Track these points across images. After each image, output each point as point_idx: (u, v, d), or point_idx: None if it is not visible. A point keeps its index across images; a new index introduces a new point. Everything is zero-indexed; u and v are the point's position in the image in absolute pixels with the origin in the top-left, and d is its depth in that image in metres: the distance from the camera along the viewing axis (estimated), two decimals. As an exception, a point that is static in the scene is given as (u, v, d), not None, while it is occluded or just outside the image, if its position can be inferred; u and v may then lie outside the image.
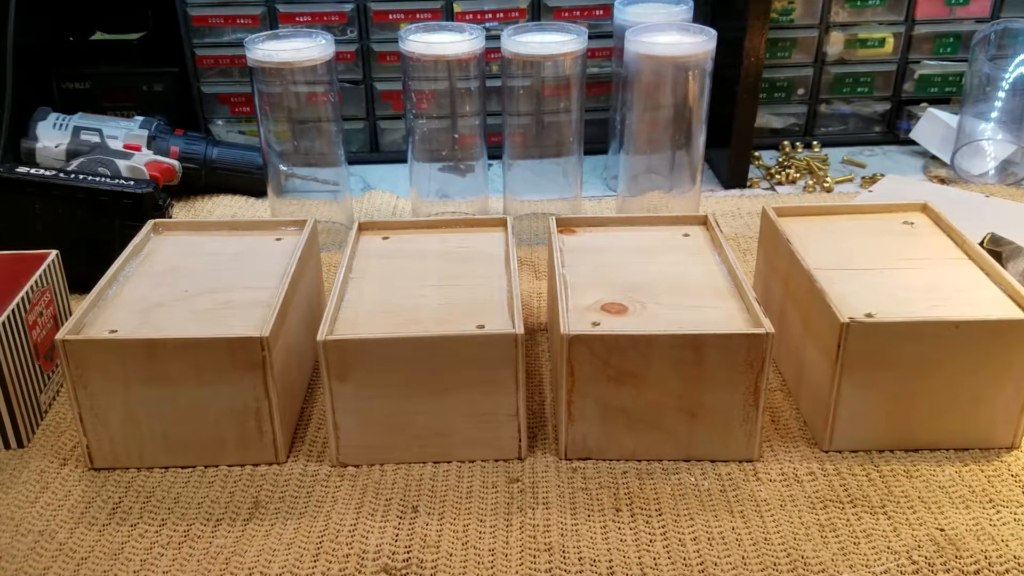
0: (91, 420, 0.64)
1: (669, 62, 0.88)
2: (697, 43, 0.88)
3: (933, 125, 1.18)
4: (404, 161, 1.17)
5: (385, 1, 1.13)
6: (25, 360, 0.69)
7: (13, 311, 0.67)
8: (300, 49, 0.89)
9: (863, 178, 1.14)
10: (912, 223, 0.77)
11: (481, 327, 0.64)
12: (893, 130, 1.25)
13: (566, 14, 1.13)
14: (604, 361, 0.63)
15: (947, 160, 1.15)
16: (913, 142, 1.21)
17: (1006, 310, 0.65)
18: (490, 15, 1.13)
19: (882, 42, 1.19)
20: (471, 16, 1.13)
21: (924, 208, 0.79)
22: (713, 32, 0.88)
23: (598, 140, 1.17)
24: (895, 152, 1.23)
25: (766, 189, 1.13)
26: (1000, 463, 0.65)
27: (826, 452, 0.67)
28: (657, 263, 0.73)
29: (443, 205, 1.02)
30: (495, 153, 1.03)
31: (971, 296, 0.66)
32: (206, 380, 0.63)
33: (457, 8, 1.13)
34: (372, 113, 1.20)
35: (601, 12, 1.14)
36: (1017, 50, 1.13)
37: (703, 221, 0.79)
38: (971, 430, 0.66)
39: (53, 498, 0.63)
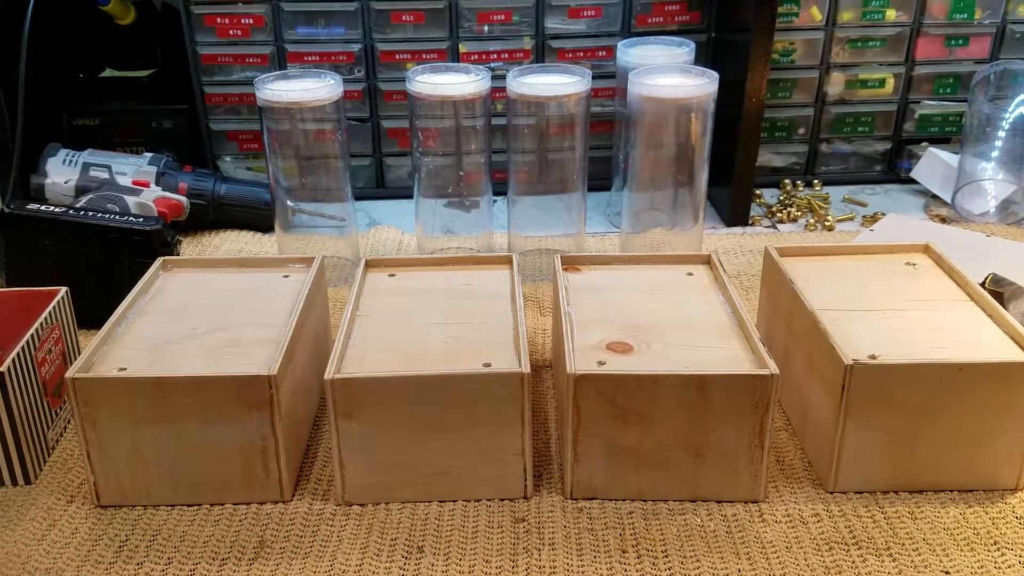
0: (99, 457, 0.65)
1: (671, 104, 0.90)
2: (699, 85, 0.89)
3: (934, 164, 1.20)
4: (409, 197, 1.18)
5: (392, 42, 1.14)
6: (33, 397, 0.69)
7: (23, 348, 0.68)
8: (309, 89, 0.90)
9: (864, 217, 1.15)
10: (914, 264, 0.78)
11: (487, 365, 0.65)
12: (894, 169, 1.26)
13: (570, 55, 1.15)
14: (610, 400, 0.63)
15: (948, 199, 1.16)
16: (914, 181, 1.22)
17: (1009, 352, 0.65)
18: (495, 56, 1.15)
19: (882, 82, 1.21)
20: (476, 56, 1.14)
21: (926, 249, 0.80)
22: (715, 74, 0.89)
23: (601, 177, 1.18)
24: (896, 191, 1.24)
25: (768, 227, 1.14)
26: (1005, 505, 0.65)
27: (831, 493, 0.67)
28: (662, 302, 0.74)
29: (448, 241, 1.03)
30: (500, 189, 1.04)
31: (974, 338, 0.67)
32: (213, 418, 0.63)
33: (463, 49, 1.14)
34: (378, 150, 1.21)
35: (604, 53, 1.15)
36: (1016, 91, 1.14)
37: (707, 260, 0.80)
38: (975, 472, 0.66)
39: (60, 536, 0.63)
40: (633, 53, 1.04)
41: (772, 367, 0.62)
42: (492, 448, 0.65)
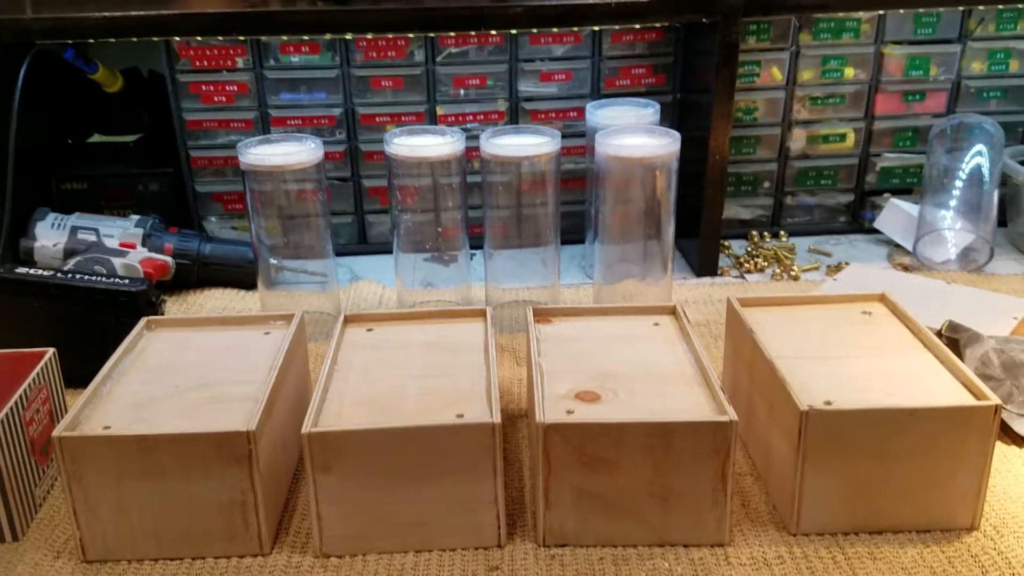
0: (85, 514, 0.66)
1: (637, 163, 0.94)
2: (662, 145, 0.93)
3: (896, 215, 1.24)
4: (391, 252, 1.21)
5: (372, 105, 1.19)
6: (21, 455, 0.71)
7: (11, 408, 0.70)
8: (291, 153, 0.94)
9: (829, 266, 1.19)
10: (870, 312, 0.82)
11: (460, 416, 0.67)
12: (857, 220, 1.30)
13: (542, 115, 1.20)
14: (578, 448, 0.66)
15: (910, 248, 1.20)
16: (877, 231, 1.26)
17: (959, 397, 0.68)
18: (471, 117, 1.19)
19: (843, 137, 1.26)
20: (453, 118, 1.19)
21: (882, 298, 0.83)
22: (677, 135, 0.94)
23: (575, 230, 1.21)
24: (860, 241, 1.28)
25: (736, 277, 1.17)
26: (960, 544, 0.68)
27: (794, 535, 0.69)
28: (629, 352, 0.77)
29: (428, 294, 1.06)
30: (477, 243, 1.08)
31: (926, 384, 0.70)
32: (195, 474, 0.66)
33: (440, 111, 1.19)
34: (360, 207, 1.25)
35: (575, 114, 1.20)
36: (972, 143, 1.19)
37: (672, 311, 0.83)
38: (931, 512, 0.69)
39: (44, 592, 0.65)
40: (601, 114, 1.08)
41: (731, 414, 0.65)
42: (466, 497, 0.67)
